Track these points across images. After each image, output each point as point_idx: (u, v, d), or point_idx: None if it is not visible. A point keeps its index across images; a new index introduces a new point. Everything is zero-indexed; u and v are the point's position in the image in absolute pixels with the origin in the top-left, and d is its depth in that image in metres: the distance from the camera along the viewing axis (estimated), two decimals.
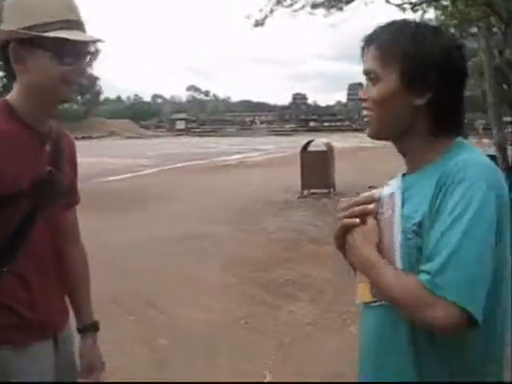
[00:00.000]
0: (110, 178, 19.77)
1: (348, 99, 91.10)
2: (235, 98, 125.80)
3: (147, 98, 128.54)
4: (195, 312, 5.36)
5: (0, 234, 1.73)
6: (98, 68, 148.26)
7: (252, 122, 75.24)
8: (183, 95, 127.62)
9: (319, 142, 14.41)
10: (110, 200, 13.97)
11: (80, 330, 2.07)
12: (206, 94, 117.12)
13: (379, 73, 1.42)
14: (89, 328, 2.08)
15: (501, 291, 1.38)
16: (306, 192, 13.24)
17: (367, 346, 1.52)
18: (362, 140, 34.16)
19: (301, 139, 22.23)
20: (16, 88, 1.79)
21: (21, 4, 1.74)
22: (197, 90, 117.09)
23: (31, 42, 1.69)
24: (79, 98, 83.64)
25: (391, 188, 1.49)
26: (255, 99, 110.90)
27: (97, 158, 30.77)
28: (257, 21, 13.70)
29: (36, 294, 1.81)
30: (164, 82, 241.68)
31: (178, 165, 24.51)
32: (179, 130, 76.29)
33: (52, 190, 1.82)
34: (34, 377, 1.79)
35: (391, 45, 1.41)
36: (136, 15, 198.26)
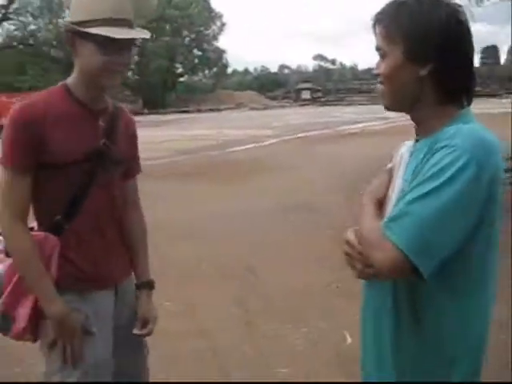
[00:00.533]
0: (232, 149, 20.40)
1: (481, 63, 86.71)
2: (363, 65, 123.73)
3: (274, 69, 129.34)
4: (292, 278, 5.67)
5: (62, 196, 2.12)
6: (225, 41, 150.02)
7: (372, 89, 73.55)
8: (310, 64, 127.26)
9: None
10: (227, 170, 14.60)
11: (137, 287, 2.41)
12: (333, 62, 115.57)
13: (386, 49, 1.57)
14: (144, 285, 2.41)
15: (488, 267, 1.51)
16: None
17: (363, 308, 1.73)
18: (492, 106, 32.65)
19: None
20: (73, 71, 2.17)
21: (77, 1, 2.10)
22: (323, 58, 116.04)
23: (80, 34, 2.05)
24: (206, 71, 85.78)
25: (404, 148, 1.67)
26: None
27: (222, 130, 31.79)
28: None
29: (94, 251, 2.19)
30: (291, 51, 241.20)
31: (301, 135, 24.68)
32: (304, 100, 76.13)
33: (106, 160, 2.17)
34: (96, 320, 2.17)
35: (393, 23, 1.56)
36: None
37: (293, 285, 5.57)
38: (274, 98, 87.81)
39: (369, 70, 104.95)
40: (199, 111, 71.89)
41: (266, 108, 69.56)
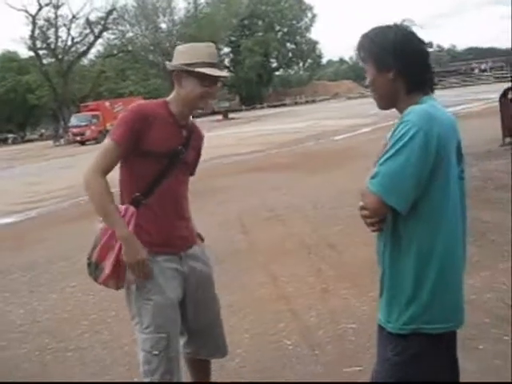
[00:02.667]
0: (329, 139, 20.98)
1: None
2: (461, 46, 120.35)
3: None
4: (365, 251, 6.17)
5: (144, 178, 2.91)
6: (317, 32, 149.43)
7: (471, 69, 71.21)
8: None
9: None
10: (322, 159, 15.25)
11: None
12: (430, 45, 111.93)
13: (365, 67, 2.22)
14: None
15: (444, 210, 2.05)
16: (508, 140, 13.07)
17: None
18: None
19: None
20: (172, 94, 3.00)
21: (184, 49, 3.00)
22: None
23: (187, 71, 2.89)
24: (301, 64, 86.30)
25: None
26: (484, 45, 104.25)
27: (319, 121, 32.29)
28: None
29: (162, 223, 2.96)
30: None
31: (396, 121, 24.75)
32: None
33: (179, 160, 2.98)
34: (163, 276, 2.93)
35: (363, 49, 2.21)
36: None
37: (366, 258, 6.09)
38: None
39: (469, 50, 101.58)
40: (296, 104, 72.48)
41: (362, 96, 69.11)
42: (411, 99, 2.13)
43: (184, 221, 3.10)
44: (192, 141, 3.08)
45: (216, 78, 2.94)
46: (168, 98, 3.01)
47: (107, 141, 2.87)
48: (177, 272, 3.00)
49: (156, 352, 2.87)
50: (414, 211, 2.03)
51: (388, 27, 2.18)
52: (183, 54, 2.95)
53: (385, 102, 2.22)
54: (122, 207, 2.88)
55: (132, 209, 2.87)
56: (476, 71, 69.35)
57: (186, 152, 3.02)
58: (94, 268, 2.89)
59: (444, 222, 2.06)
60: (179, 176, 3.02)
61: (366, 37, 2.21)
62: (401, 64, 2.11)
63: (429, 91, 2.18)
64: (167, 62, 3.03)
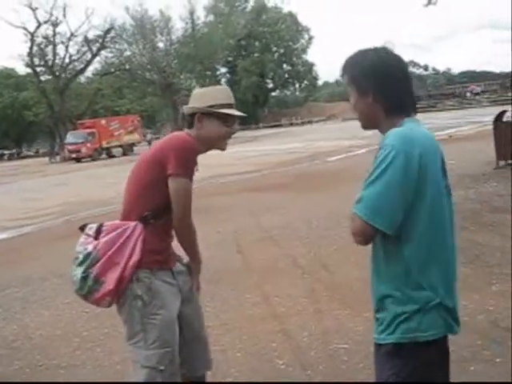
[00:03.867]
0: (323, 160, 21.06)
1: None
2: (456, 69, 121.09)
3: None
4: (359, 271, 6.18)
5: (162, 202, 2.96)
6: (314, 54, 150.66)
7: (464, 93, 71.58)
8: None
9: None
10: (315, 180, 15.30)
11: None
12: (425, 68, 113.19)
13: (348, 91, 2.28)
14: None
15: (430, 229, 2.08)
16: (501, 163, 13.16)
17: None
18: None
19: None
20: (193, 133, 3.07)
21: (202, 92, 3.21)
22: (415, 64, 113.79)
23: (208, 113, 3.05)
24: (297, 85, 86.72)
25: None
26: (478, 68, 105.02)
27: (314, 142, 32.42)
28: None
29: (164, 242, 3.07)
30: None
31: None
32: None
33: None
34: (165, 291, 2.99)
35: (348, 70, 2.27)
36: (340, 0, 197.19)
37: (360, 278, 6.10)
38: None
39: (464, 73, 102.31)
40: (291, 125, 72.70)
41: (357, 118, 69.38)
42: (392, 122, 2.16)
43: (172, 240, 3.20)
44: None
45: (236, 118, 3.15)
46: (191, 133, 3.09)
47: (183, 180, 2.93)
48: (174, 287, 3.06)
49: (162, 367, 2.90)
50: (401, 230, 2.07)
51: (368, 51, 2.24)
52: (203, 96, 3.11)
53: (366, 124, 2.28)
54: (131, 224, 2.93)
55: (141, 226, 2.93)
56: (470, 94, 69.72)
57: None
58: (93, 282, 2.88)
59: (432, 237, 2.10)
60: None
61: (347, 60, 2.27)
62: (379, 87, 2.16)
63: (411, 113, 2.21)
64: (185, 106, 3.14)
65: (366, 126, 2.29)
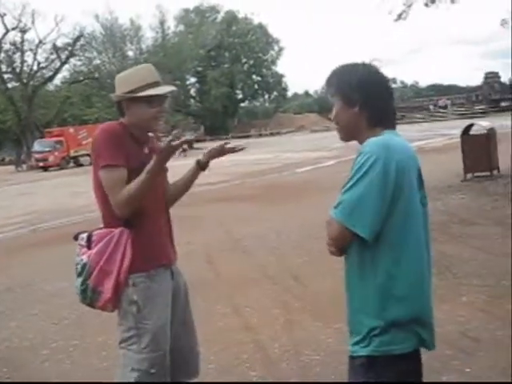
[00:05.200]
0: (291, 172, 21.14)
1: None
2: (424, 82, 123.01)
3: None
4: (329, 283, 6.20)
5: None
6: (283, 65, 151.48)
7: (434, 106, 72.62)
8: None
9: (480, 126, 14.40)
10: (283, 191, 15.33)
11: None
12: (393, 81, 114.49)
13: (332, 101, 2.31)
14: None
15: (407, 235, 2.11)
16: (469, 175, 13.39)
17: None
18: None
19: (490, 121, 21.93)
20: (124, 121, 2.99)
21: (123, 77, 3.03)
22: None
23: (132, 99, 2.91)
24: (266, 96, 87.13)
25: None
26: (445, 82, 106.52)
27: (283, 153, 32.50)
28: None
29: (155, 238, 3.01)
30: None
31: None
32: None
33: None
34: (161, 294, 2.98)
35: (331, 85, 2.31)
36: (310, 12, 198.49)
37: (331, 289, 6.12)
38: None
39: (431, 87, 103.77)
40: (260, 135, 72.81)
41: (327, 130, 69.81)
42: (372, 133, 2.21)
43: (169, 235, 3.18)
44: (152, 154, 2.99)
45: (163, 97, 2.99)
46: (123, 120, 3.02)
47: (102, 171, 2.84)
48: (169, 290, 3.06)
49: (153, 370, 2.89)
50: (377, 237, 2.09)
51: (355, 65, 2.30)
52: (125, 81, 3.00)
53: (347, 135, 2.32)
54: (116, 231, 2.88)
55: (126, 231, 2.89)
56: (438, 107, 70.79)
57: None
58: (92, 293, 2.90)
59: (407, 247, 2.12)
60: (157, 185, 2.99)
61: (334, 73, 2.32)
62: (365, 100, 2.21)
63: (390, 126, 2.27)
64: (111, 95, 3.06)
65: (345, 137, 2.33)
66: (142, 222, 2.92)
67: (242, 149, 3.32)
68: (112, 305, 2.93)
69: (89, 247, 2.92)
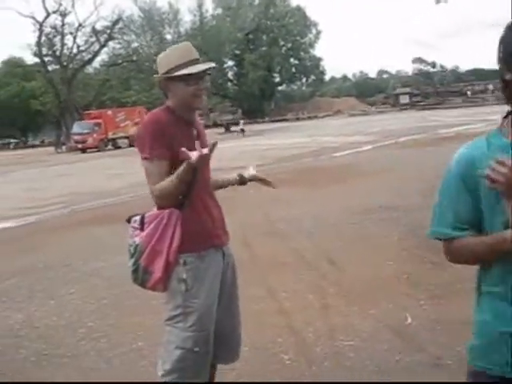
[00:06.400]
0: (328, 156, 21.02)
1: None
2: (465, 67, 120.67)
3: (373, 74, 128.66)
4: (366, 268, 6.17)
5: None
6: (322, 49, 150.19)
7: (474, 90, 71.31)
8: (409, 68, 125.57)
9: None
10: (321, 176, 15.23)
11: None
12: (433, 65, 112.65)
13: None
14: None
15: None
16: None
17: None
18: None
19: None
20: (168, 103, 3.03)
21: (161, 58, 3.04)
22: (423, 61, 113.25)
23: (170, 78, 2.94)
24: (304, 80, 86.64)
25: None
26: (487, 67, 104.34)
27: (320, 137, 32.34)
28: None
29: (205, 217, 3.04)
30: (390, 56, 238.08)
31: (396, 140, 24.78)
32: (403, 105, 75.15)
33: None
34: (210, 275, 3.01)
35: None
36: None
37: (367, 275, 6.08)
38: (372, 104, 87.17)
39: (472, 72, 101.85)
40: (297, 119, 72.60)
41: (364, 114, 69.26)
42: None
43: (220, 212, 3.21)
44: (202, 134, 3.15)
45: (199, 74, 2.96)
46: (168, 103, 3.05)
47: (144, 163, 2.91)
48: (220, 268, 3.09)
49: (197, 349, 2.95)
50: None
51: None
52: (163, 62, 3.02)
53: None
54: (165, 212, 2.92)
55: (176, 212, 2.92)
56: (478, 92, 69.52)
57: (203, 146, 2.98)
58: (143, 273, 2.97)
59: None
60: (205, 169, 3.07)
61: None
62: None
63: None
64: (155, 75, 3.07)
65: None
66: (191, 204, 2.96)
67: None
68: (163, 285, 2.98)
69: (142, 229, 2.97)
